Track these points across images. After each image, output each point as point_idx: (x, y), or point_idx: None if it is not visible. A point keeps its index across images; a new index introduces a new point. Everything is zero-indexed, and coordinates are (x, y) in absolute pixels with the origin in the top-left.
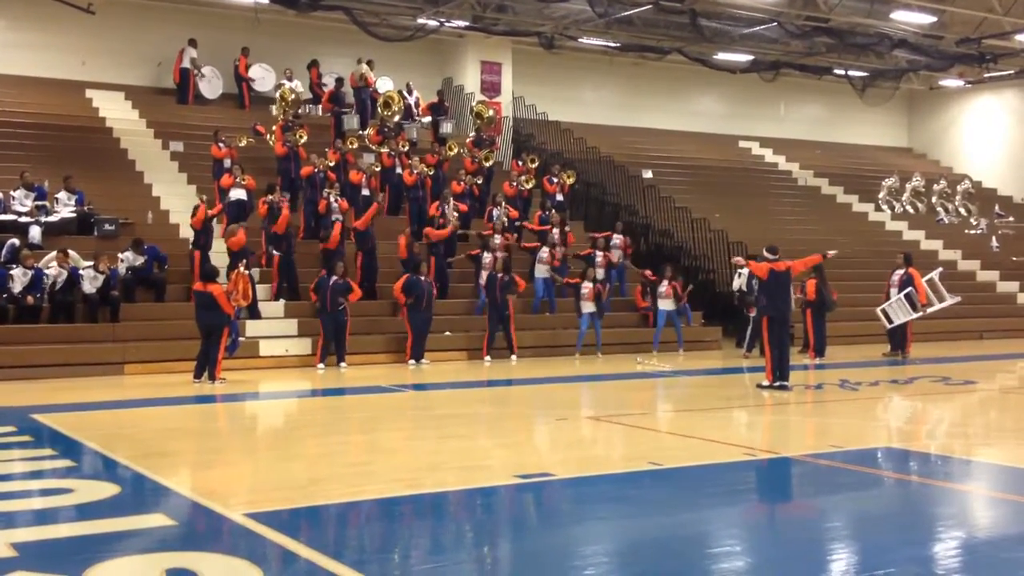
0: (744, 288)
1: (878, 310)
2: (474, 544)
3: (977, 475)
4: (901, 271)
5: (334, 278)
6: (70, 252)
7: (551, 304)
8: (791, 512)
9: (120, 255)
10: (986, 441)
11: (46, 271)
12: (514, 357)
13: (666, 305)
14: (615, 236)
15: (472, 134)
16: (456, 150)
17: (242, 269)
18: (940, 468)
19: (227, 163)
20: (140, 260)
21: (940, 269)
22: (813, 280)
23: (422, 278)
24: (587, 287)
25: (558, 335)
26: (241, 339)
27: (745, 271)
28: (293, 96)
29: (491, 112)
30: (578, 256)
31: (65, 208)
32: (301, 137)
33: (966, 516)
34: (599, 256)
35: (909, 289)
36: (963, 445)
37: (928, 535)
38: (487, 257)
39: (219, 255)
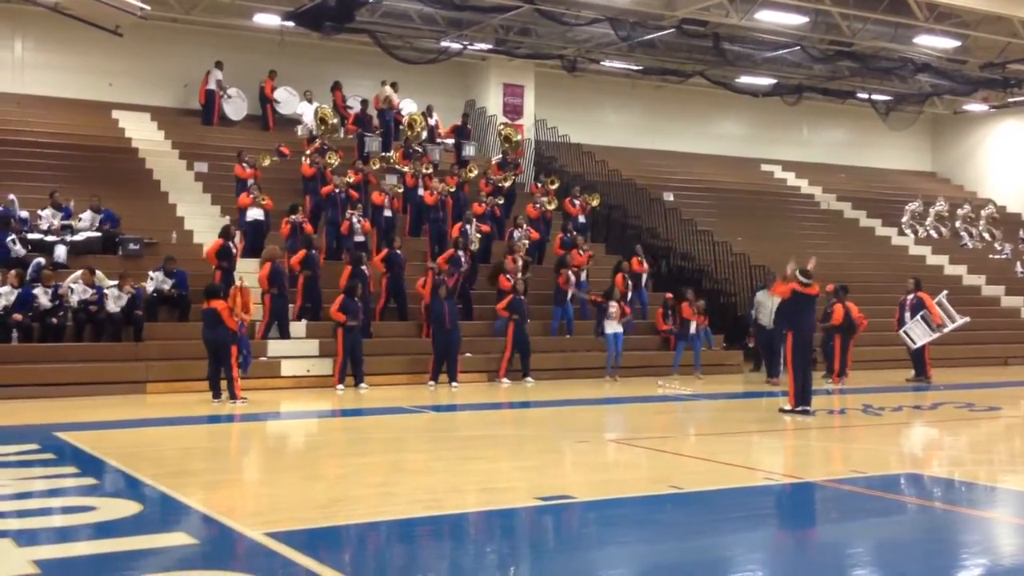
0: (759, 320)
1: (900, 332)
2: (494, 567)
3: (1002, 502)
4: (911, 295)
5: (357, 298)
6: (96, 271)
7: (569, 326)
8: (813, 538)
9: (151, 273)
10: (1011, 468)
11: (72, 286)
12: (530, 379)
13: (694, 327)
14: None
15: (498, 156)
16: (476, 172)
17: (239, 283)
18: (964, 495)
19: (250, 183)
20: (168, 283)
21: (946, 291)
22: (839, 305)
23: (443, 301)
24: (614, 306)
25: (577, 357)
26: (264, 358)
27: (762, 300)
28: (336, 119)
29: (519, 136)
30: (621, 292)
31: (91, 227)
32: (332, 159)
33: (991, 543)
34: (629, 280)
35: (923, 312)
36: (988, 472)
37: (953, 562)
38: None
39: (249, 276)
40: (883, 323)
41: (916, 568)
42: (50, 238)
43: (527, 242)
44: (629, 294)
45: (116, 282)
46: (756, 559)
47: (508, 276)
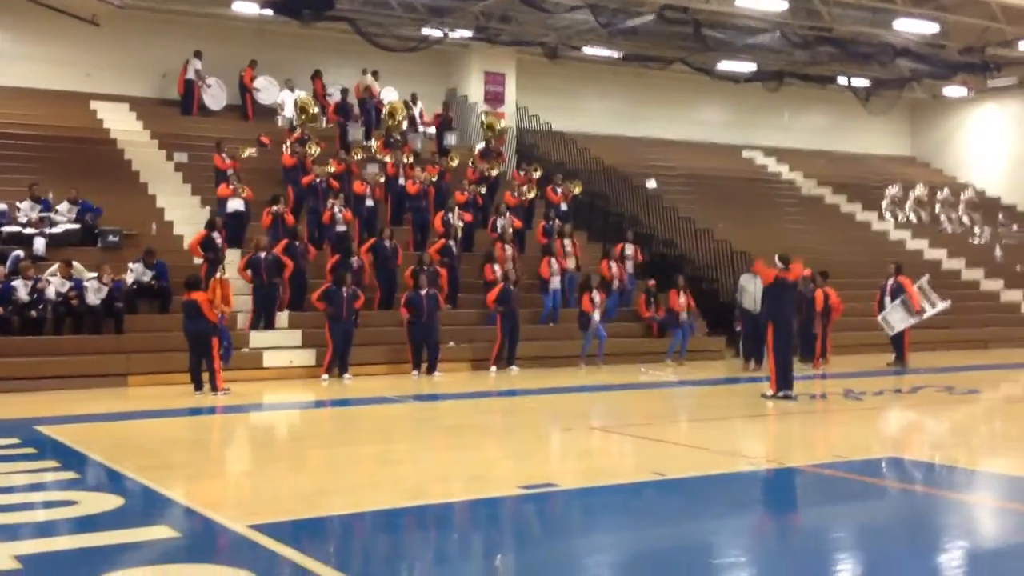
0: (743, 304)
1: (879, 318)
2: (478, 555)
3: (983, 485)
4: (892, 280)
5: (346, 288)
6: (74, 263)
7: (555, 314)
8: (796, 523)
9: (131, 265)
10: (991, 451)
11: (49, 279)
12: (515, 368)
13: (684, 314)
14: (628, 246)
15: (480, 145)
16: (457, 161)
17: (219, 275)
18: (945, 478)
19: (230, 174)
20: (148, 274)
21: (928, 275)
22: (820, 290)
23: (421, 292)
24: (599, 295)
25: (562, 346)
26: (246, 349)
27: (745, 285)
28: (317, 109)
29: (502, 123)
30: (604, 280)
31: (68, 219)
32: (312, 149)
33: (972, 526)
34: (614, 267)
35: (903, 296)
36: (968, 455)
37: (935, 546)
38: (498, 269)
39: (230, 267)
40: (864, 308)
41: (898, 552)
42: (29, 231)
43: (512, 230)
44: (615, 282)
45: (95, 274)
46: (739, 544)
47: (495, 266)
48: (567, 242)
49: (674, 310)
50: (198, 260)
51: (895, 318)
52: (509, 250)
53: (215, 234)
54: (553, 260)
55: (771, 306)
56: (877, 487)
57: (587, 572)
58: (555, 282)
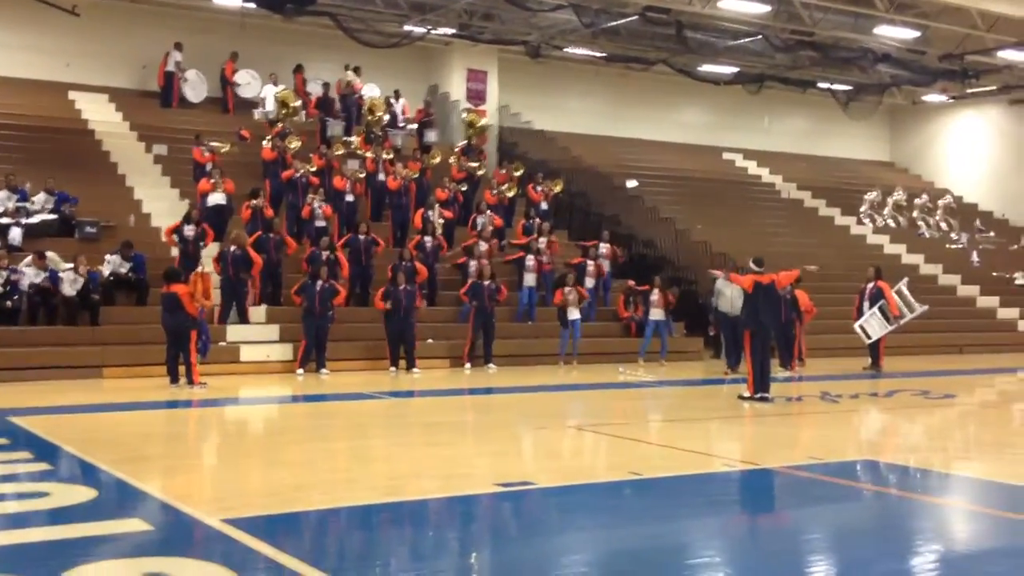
0: (719, 307)
1: (855, 326)
2: (453, 553)
3: (956, 489)
4: (871, 284)
5: (320, 282)
6: (48, 254)
7: (531, 313)
8: (770, 524)
9: (108, 256)
10: (965, 455)
11: (24, 270)
12: (492, 366)
13: (656, 315)
14: (602, 245)
15: (462, 142)
16: (439, 158)
17: (200, 269)
18: (919, 481)
19: (209, 167)
20: (126, 266)
21: (907, 279)
22: (802, 292)
23: (400, 287)
24: (571, 292)
25: (539, 344)
26: (223, 343)
27: (722, 288)
28: (297, 103)
29: (483, 121)
30: (569, 264)
31: (44, 209)
32: (291, 143)
33: (945, 530)
34: (590, 265)
35: (881, 302)
36: (942, 459)
37: (907, 548)
38: (472, 265)
39: (210, 259)
40: (841, 311)
41: (871, 554)
42: (5, 220)
43: (491, 228)
44: (591, 281)
45: (71, 265)
46: (714, 545)
47: (471, 262)
48: (542, 240)
49: (648, 307)
50: (176, 252)
51: (872, 327)
52: (485, 246)
53: (188, 227)
54: (530, 258)
55: (750, 309)
56: (851, 489)
57: (562, 570)
58: (530, 279)
